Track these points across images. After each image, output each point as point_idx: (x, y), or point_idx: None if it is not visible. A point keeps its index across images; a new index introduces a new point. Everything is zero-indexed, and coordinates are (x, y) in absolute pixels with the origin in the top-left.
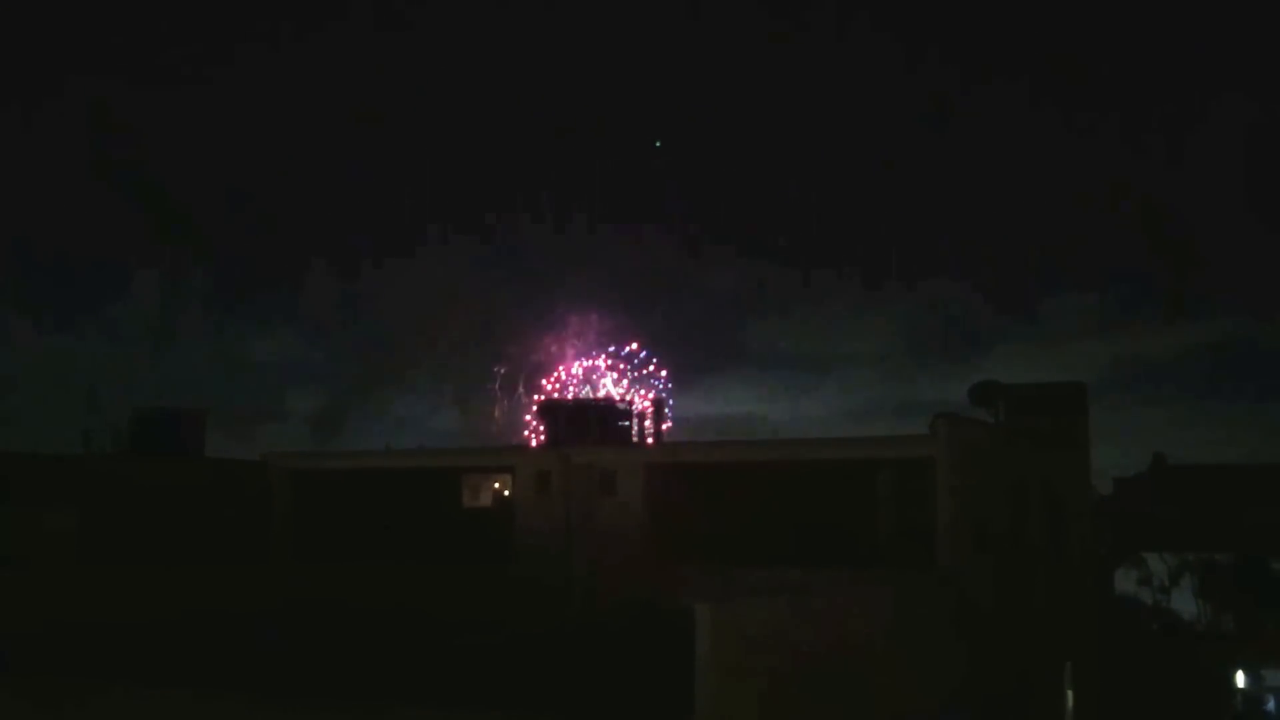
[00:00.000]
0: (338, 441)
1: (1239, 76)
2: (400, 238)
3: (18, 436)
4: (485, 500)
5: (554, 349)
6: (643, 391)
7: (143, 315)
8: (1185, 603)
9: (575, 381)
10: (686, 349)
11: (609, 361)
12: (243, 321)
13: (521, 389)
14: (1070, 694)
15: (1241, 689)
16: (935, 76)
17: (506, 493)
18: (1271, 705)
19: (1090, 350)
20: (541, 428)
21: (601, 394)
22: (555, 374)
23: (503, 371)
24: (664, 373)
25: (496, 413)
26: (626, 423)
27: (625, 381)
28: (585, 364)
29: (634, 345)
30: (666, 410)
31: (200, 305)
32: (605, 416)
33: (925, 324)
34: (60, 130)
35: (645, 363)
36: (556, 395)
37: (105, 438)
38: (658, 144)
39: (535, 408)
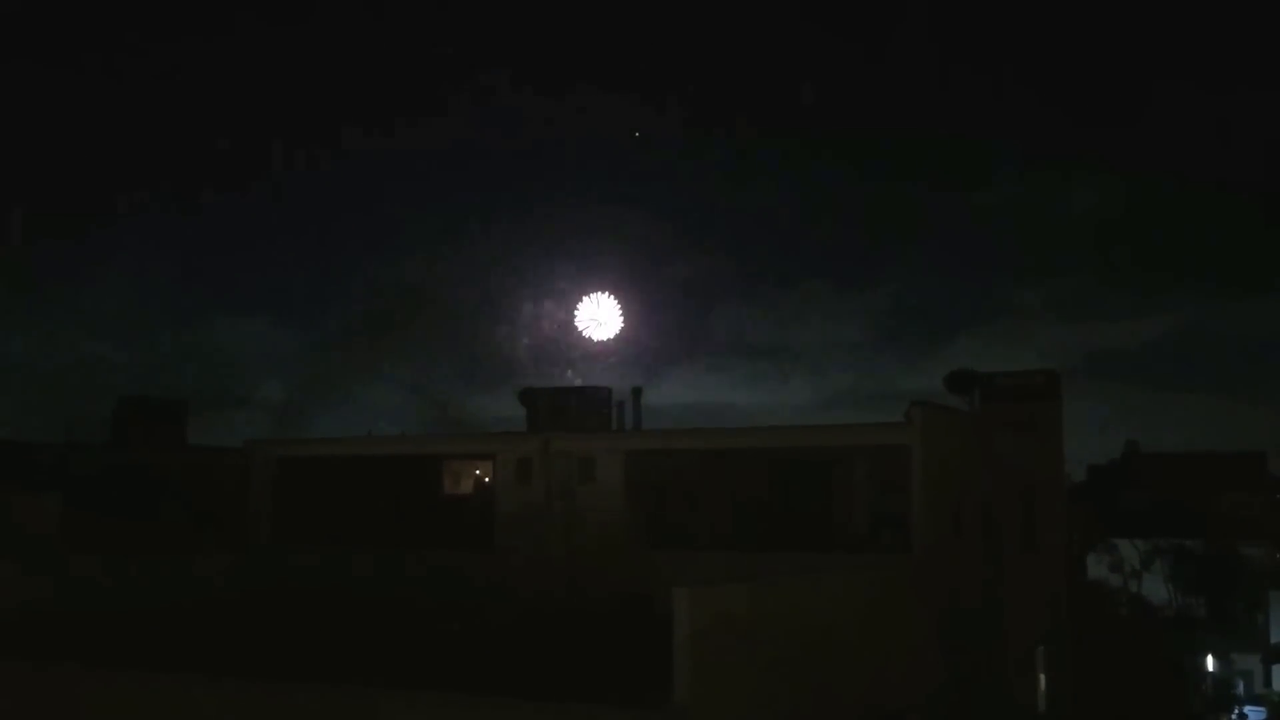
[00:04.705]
0: (304, 430)
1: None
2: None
3: (2, 424)
4: (466, 487)
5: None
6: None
7: (113, 302)
8: (1156, 588)
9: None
10: (655, 338)
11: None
12: (211, 308)
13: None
14: (1043, 678)
15: (1211, 673)
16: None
17: (487, 479)
18: (1241, 689)
19: (1060, 339)
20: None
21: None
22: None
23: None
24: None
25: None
26: (607, 410)
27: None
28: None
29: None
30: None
31: (169, 292)
32: (586, 403)
33: (896, 313)
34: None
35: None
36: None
37: (89, 426)
38: (636, 134)
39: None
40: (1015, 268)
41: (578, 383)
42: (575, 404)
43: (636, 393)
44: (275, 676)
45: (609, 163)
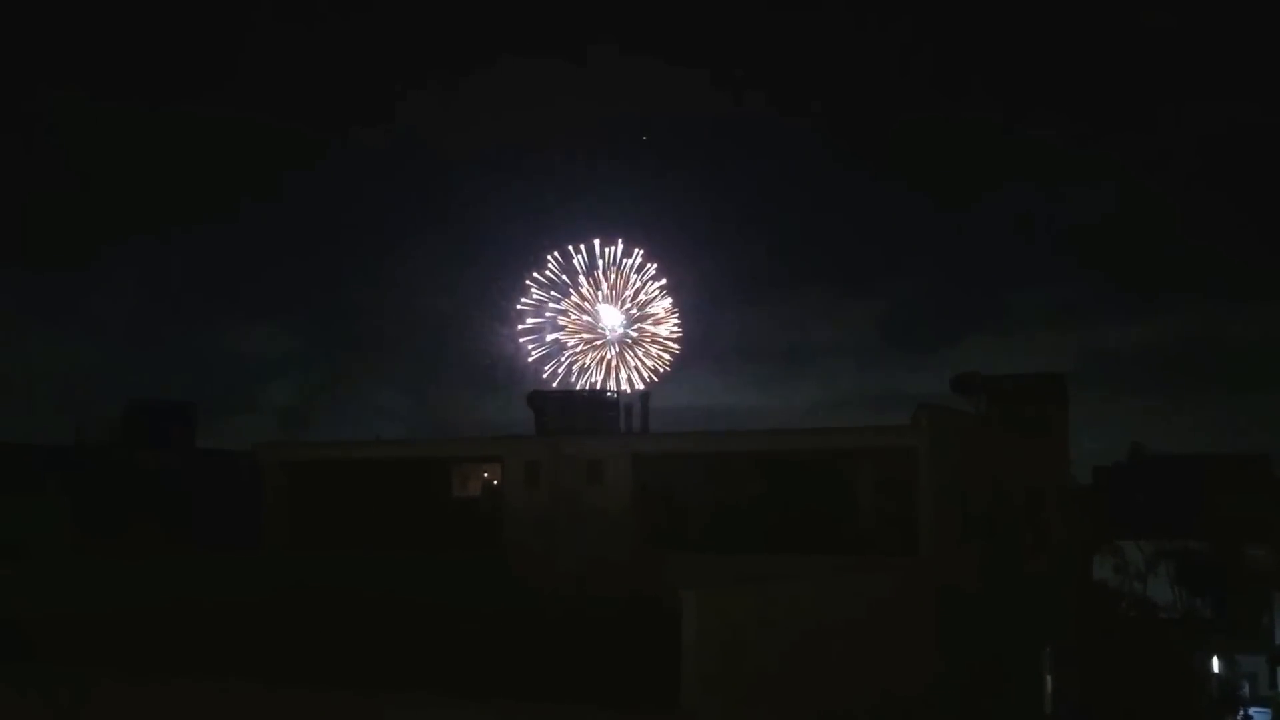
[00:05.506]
0: (309, 433)
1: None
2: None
3: (11, 427)
4: (474, 490)
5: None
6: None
7: (122, 309)
8: (1161, 590)
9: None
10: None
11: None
12: (219, 315)
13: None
14: (1049, 679)
15: (1216, 674)
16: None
17: (496, 482)
18: (1246, 690)
19: (1066, 342)
20: None
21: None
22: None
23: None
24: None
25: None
26: (614, 413)
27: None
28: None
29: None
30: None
31: (178, 299)
32: (593, 406)
33: (901, 316)
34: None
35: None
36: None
37: (99, 429)
38: (645, 138)
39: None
40: (1020, 270)
41: (585, 387)
42: (583, 408)
43: (644, 397)
44: (285, 678)
45: (614, 164)
